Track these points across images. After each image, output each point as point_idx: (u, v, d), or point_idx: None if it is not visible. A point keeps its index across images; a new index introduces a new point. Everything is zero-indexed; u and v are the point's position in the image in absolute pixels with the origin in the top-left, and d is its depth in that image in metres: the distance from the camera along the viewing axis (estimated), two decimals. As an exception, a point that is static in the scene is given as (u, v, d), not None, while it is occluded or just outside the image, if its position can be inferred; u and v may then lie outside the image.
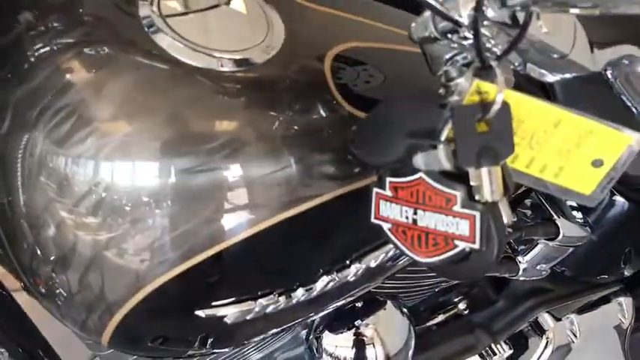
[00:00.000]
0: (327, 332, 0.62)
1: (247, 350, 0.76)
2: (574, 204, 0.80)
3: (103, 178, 0.39)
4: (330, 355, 0.62)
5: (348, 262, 0.45)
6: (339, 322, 0.62)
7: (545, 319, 0.85)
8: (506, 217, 0.34)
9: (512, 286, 0.92)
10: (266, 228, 0.41)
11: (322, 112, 0.44)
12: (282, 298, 0.43)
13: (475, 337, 0.87)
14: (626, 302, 0.92)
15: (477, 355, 0.86)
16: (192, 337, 0.44)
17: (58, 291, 0.42)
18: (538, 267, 0.82)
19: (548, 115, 0.37)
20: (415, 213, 0.37)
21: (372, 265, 0.47)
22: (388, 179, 0.38)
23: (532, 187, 0.39)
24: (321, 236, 0.45)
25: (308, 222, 0.44)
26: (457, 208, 0.35)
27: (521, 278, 0.82)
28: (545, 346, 0.85)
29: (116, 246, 0.40)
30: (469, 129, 0.34)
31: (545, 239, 0.75)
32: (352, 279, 0.46)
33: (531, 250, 0.78)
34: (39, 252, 0.41)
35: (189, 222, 0.40)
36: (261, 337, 0.54)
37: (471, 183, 0.34)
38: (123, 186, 0.39)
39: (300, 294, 0.44)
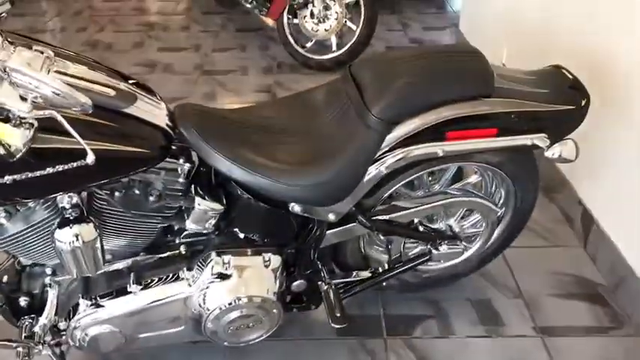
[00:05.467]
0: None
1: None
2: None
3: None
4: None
5: None
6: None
7: (212, 255, 1.60)
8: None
9: (209, 243, 1.68)
10: None
11: None
12: None
13: (181, 265, 1.63)
14: (273, 259, 1.65)
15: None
16: None
17: None
18: (205, 224, 1.57)
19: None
20: None
21: None
22: None
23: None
24: None
25: None
26: None
27: (194, 227, 1.57)
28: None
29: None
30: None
31: (190, 206, 1.53)
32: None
33: (192, 213, 1.55)
34: None
35: None
36: None
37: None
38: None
39: None
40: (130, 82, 1.45)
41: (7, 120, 1.15)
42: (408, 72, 1.54)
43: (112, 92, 1.32)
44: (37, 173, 1.25)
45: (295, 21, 3.90)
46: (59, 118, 1.12)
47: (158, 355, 1.88)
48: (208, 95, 3.62)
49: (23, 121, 1.15)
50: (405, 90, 1.50)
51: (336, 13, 3.80)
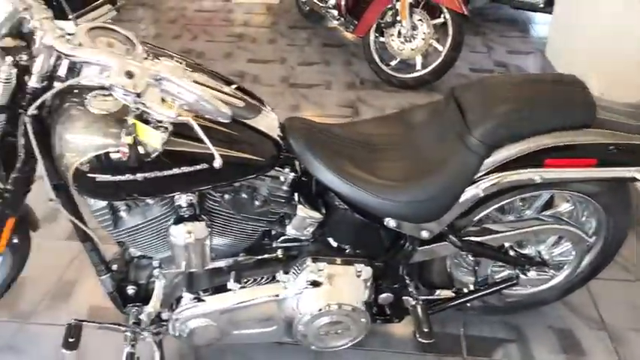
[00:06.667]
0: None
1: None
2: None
3: None
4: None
5: None
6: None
7: (307, 261, 1.68)
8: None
9: (304, 249, 1.76)
10: None
11: None
12: None
13: (277, 268, 1.72)
14: (365, 270, 1.71)
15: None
16: None
17: None
18: (303, 231, 1.66)
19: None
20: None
21: None
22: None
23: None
24: None
25: None
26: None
27: (294, 233, 1.66)
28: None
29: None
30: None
31: (291, 212, 1.61)
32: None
33: (293, 220, 1.64)
34: None
35: None
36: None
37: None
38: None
39: None
40: (233, 86, 1.54)
41: (146, 122, 1.26)
42: (511, 98, 1.58)
43: (241, 103, 1.42)
44: (165, 173, 1.37)
45: (381, 39, 3.98)
46: (195, 125, 1.23)
47: (245, 352, 1.97)
48: (293, 107, 3.74)
49: (159, 124, 1.27)
50: (509, 115, 1.54)
51: (424, 33, 3.85)
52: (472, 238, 1.74)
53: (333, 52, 4.63)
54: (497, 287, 1.89)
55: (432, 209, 1.58)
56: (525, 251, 1.90)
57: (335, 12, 4.34)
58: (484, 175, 1.59)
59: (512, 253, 1.84)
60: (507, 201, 1.72)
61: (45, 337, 2.05)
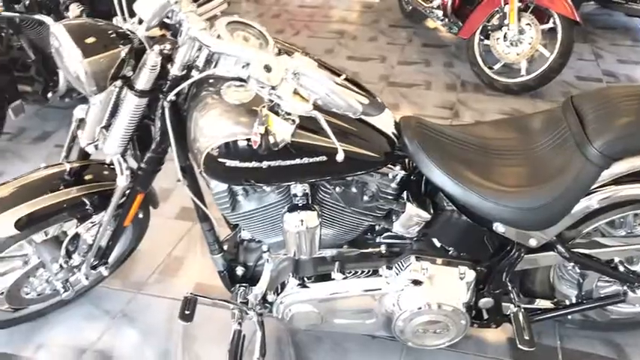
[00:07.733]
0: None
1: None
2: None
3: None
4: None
5: None
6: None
7: (411, 259, 1.71)
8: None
9: (407, 247, 1.79)
10: None
11: None
12: None
13: (379, 263, 1.76)
14: (468, 273, 1.72)
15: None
16: None
17: None
18: (409, 229, 1.69)
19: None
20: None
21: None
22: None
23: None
24: None
25: None
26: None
27: (400, 230, 1.69)
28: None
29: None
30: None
31: (399, 210, 1.65)
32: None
33: (400, 217, 1.67)
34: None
35: None
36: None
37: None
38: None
39: None
40: (342, 77, 1.57)
41: (275, 114, 1.33)
42: (635, 109, 1.53)
43: (366, 100, 1.47)
44: (287, 162, 1.44)
45: (486, 42, 3.92)
46: (322, 119, 1.29)
47: (339, 341, 2.03)
48: (393, 106, 3.77)
49: (288, 116, 1.34)
50: (632, 127, 1.50)
51: (531, 38, 3.76)
52: (581, 250, 1.71)
53: (434, 52, 4.61)
54: (603, 302, 1.84)
55: (543, 218, 1.57)
56: (636, 268, 1.84)
57: (439, 12, 4.32)
58: (599, 187, 1.56)
59: (621, 268, 1.79)
60: (621, 215, 1.68)
61: (154, 307, 2.20)
